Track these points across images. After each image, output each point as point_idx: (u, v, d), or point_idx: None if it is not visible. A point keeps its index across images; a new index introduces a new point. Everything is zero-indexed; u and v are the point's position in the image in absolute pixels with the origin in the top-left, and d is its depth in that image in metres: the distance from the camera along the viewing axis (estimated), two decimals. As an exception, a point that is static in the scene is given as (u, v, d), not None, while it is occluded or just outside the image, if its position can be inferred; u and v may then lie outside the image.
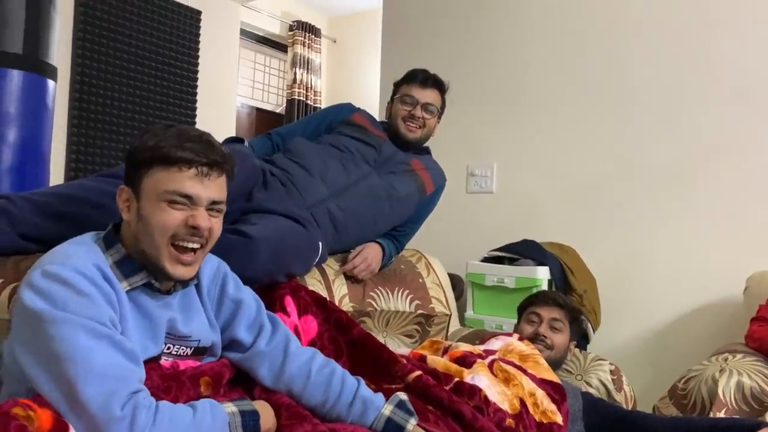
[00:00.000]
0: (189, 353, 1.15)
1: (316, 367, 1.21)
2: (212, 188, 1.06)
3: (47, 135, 2.22)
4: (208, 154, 1.05)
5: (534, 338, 1.81)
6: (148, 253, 1.05)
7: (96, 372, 0.90)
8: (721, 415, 1.56)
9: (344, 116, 2.11)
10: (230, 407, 1.02)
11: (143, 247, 1.05)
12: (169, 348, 1.12)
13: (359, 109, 2.16)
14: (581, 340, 2.29)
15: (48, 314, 0.92)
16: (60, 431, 0.87)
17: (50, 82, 2.19)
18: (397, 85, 2.12)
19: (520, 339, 1.74)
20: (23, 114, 2.10)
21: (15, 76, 2.06)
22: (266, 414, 1.08)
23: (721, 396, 1.58)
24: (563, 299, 1.94)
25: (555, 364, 1.76)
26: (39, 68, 2.13)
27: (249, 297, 1.26)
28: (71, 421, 0.89)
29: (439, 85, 2.09)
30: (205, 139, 1.07)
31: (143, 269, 1.06)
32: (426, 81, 2.06)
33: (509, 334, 1.78)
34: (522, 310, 1.96)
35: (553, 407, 1.47)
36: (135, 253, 1.06)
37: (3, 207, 1.35)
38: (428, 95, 2.05)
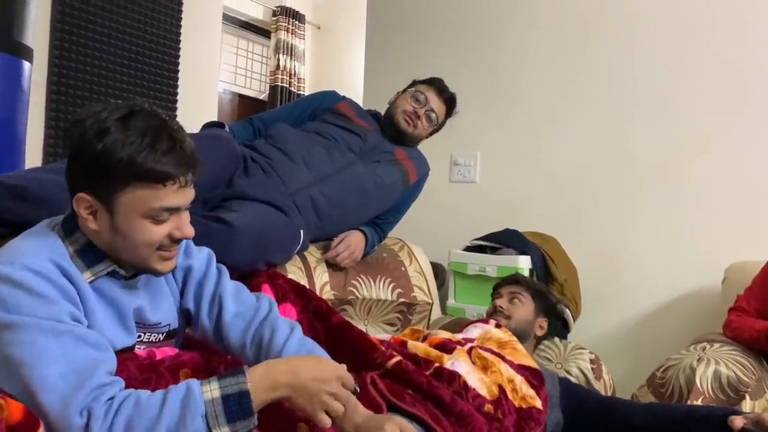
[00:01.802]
0: (161, 339, 1.13)
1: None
2: (189, 192, 1.00)
3: (22, 118, 2.17)
4: (189, 162, 0.97)
5: (494, 312, 1.87)
6: (128, 259, 1.01)
7: (51, 378, 0.86)
8: (698, 403, 1.58)
9: (329, 104, 2.10)
10: (212, 392, 0.90)
11: (121, 255, 1.00)
12: (140, 336, 1.09)
13: (344, 97, 2.15)
14: (562, 329, 2.31)
15: (0, 319, 0.88)
16: (30, 424, 0.85)
17: (26, 64, 2.14)
18: (415, 83, 2.14)
19: (498, 326, 1.75)
20: (-3, 96, 2.05)
21: (-12, 57, 2.00)
22: (267, 383, 0.93)
23: (699, 384, 1.60)
24: (521, 277, 2.03)
25: (518, 337, 1.76)
26: (14, 49, 2.07)
27: (201, 261, 1.20)
28: (42, 420, 0.86)
29: (451, 104, 2.12)
30: (179, 143, 0.96)
31: (107, 257, 1.01)
32: (442, 92, 2.10)
33: (486, 321, 1.79)
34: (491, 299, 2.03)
35: (532, 392, 1.48)
36: (99, 243, 1.00)
37: None
38: (438, 105, 2.08)
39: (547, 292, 2.09)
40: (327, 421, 0.97)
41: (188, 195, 1.00)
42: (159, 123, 0.96)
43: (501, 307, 1.88)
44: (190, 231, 1.01)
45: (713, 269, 2.25)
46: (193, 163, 0.98)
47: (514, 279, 1.99)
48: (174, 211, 0.98)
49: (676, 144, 2.45)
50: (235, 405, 0.89)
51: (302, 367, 0.97)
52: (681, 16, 2.46)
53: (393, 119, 2.06)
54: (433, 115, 2.08)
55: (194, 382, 0.91)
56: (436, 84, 2.10)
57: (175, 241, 1.01)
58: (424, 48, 3.00)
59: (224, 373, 0.94)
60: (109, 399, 0.87)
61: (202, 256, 1.20)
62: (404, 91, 2.12)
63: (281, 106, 2.26)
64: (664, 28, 2.49)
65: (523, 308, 1.90)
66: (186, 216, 1.01)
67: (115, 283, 1.03)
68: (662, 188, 2.46)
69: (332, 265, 1.91)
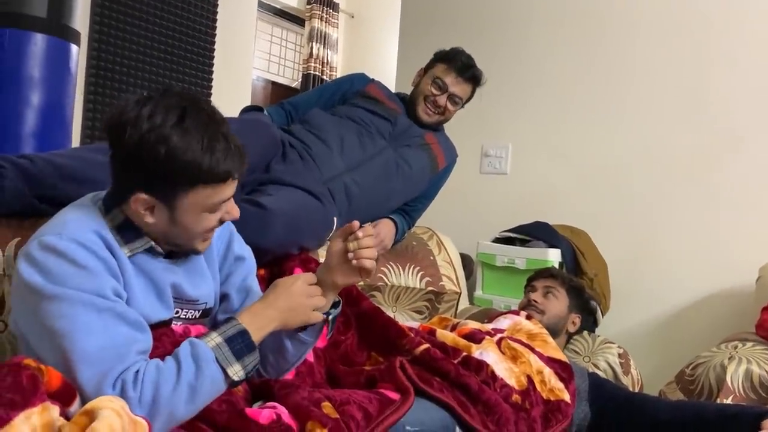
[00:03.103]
0: (197, 316, 1.16)
1: None
2: (238, 181, 1.05)
3: (70, 100, 2.22)
4: (242, 158, 1.01)
5: (527, 305, 1.86)
6: (175, 242, 1.05)
7: (90, 352, 0.89)
8: (728, 401, 1.56)
9: (358, 87, 2.08)
10: (214, 339, 0.98)
11: (169, 239, 1.04)
12: (177, 312, 1.12)
13: (373, 80, 2.13)
14: (591, 324, 2.30)
15: (45, 289, 0.90)
16: (67, 393, 0.88)
17: (73, 47, 2.19)
18: (436, 59, 2.05)
19: (528, 318, 1.75)
20: (47, 78, 2.10)
21: (39, 40, 2.05)
22: (258, 322, 1.03)
23: (729, 383, 1.58)
24: (558, 271, 2.02)
25: (550, 332, 1.76)
26: (63, 32, 2.12)
27: (250, 257, 1.26)
28: (77, 392, 0.90)
29: (475, 81, 2.03)
30: (231, 140, 0.99)
31: (144, 234, 1.03)
32: (463, 71, 2.00)
33: (517, 313, 1.79)
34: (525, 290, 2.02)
35: (560, 385, 1.48)
36: (148, 230, 1.03)
37: (24, 168, 1.34)
38: (459, 87, 2.01)
39: (583, 288, 2.06)
40: (319, 316, 1.11)
41: (236, 183, 1.05)
42: (209, 120, 0.98)
43: (535, 301, 1.87)
44: (237, 212, 1.07)
45: (747, 268, 2.21)
46: (245, 159, 1.02)
47: (550, 273, 1.98)
48: (228, 200, 1.04)
49: (710, 141, 2.41)
50: (239, 343, 0.99)
51: (277, 298, 1.07)
52: (716, 12, 2.41)
53: (415, 109, 2.03)
54: (457, 98, 2.02)
55: (194, 339, 0.99)
56: (455, 64, 2.00)
57: (222, 222, 1.06)
58: (457, 39, 2.96)
59: (216, 324, 1.07)
60: (135, 371, 0.92)
61: (250, 251, 1.27)
62: (425, 72, 2.06)
63: (311, 90, 2.24)
64: (699, 24, 2.44)
65: (558, 303, 1.89)
66: (232, 200, 1.06)
67: (152, 258, 1.06)
68: (696, 185, 2.43)
69: (362, 252, 1.92)
